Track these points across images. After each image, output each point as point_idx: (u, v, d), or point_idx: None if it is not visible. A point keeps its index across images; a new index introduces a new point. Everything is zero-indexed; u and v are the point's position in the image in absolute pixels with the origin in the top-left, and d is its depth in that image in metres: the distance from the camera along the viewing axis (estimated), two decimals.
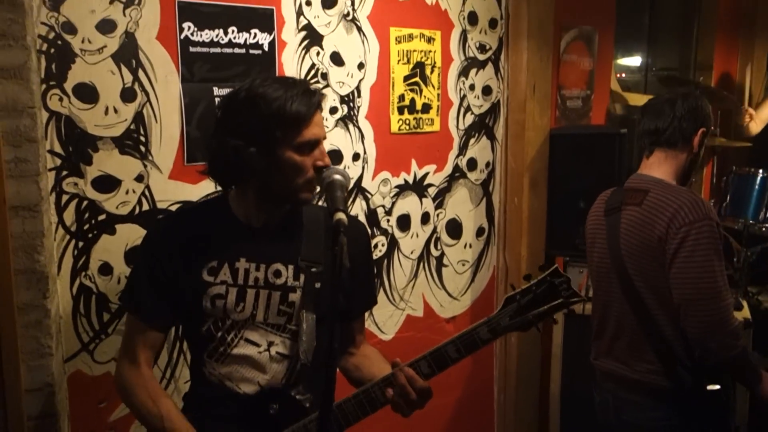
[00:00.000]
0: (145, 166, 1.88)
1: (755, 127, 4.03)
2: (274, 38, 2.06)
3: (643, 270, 1.92)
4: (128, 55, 1.82)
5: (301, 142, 1.40)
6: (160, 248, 1.49)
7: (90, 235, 1.83)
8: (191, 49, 1.90)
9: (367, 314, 2.46)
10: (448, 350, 1.48)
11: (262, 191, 1.46)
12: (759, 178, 3.46)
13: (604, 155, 2.82)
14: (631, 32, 4.02)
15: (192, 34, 1.90)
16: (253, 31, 2.01)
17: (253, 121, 1.38)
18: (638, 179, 2.02)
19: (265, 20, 2.03)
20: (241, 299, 1.47)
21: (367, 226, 2.40)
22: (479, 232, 2.86)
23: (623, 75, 4.17)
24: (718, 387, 1.93)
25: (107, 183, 1.83)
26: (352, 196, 2.37)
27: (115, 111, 1.82)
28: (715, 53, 4.28)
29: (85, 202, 1.81)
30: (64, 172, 1.78)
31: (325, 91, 2.20)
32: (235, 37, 1.97)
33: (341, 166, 2.30)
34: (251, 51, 2.01)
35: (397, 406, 1.42)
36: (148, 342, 1.51)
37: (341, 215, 1.23)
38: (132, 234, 1.89)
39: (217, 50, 1.95)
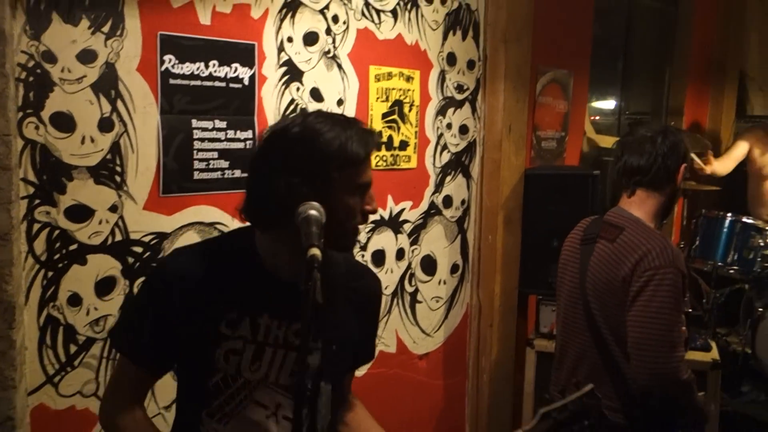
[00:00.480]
0: (120, 196, 1.87)
1: (722, 169, 4.11)
2: (254, 73, 2.08)
3: (605, 306, 1.93)
4: (107, 85, 1.82)
5: (358, 184, 1.30)
6: (174, 286, 1.34)
7: (60, 265, 1.80)
8: (171, 81, 1.91)
9: None
10: None
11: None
12: (727, 222, 3.55)
13: (577, 195, 2.87)
14: (606, 77, 4.13)
15: (173, 67, 1.91)
16: (234, 65, 2.03)
17: (310, 159, 1.26)
18: (618, 215, 2.02)
19: (246, 55, 2.05)
20: (257, 358, 1.34)
21: None
22: (454, 268, 2.87)
23: (597, 118, 4.27)
24: None
25: (80, 212, 1.81)
26: None
27: (92, 140, 1.81)
28: (686, 99, 4.41)
29: (57, 231, 1.79)
30: (37, 201, 1.75)
31: None
32: (215, 71, 1.99)
33: None
34: (231, 85, 2.03)
35: None
36: (142, 384, 1.40)
37: (315, 251, 1.21)
38: (103, 264, 1.86)
39: (197, 83, 1.96)
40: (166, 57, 1.89)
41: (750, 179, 4.22)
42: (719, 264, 3.55)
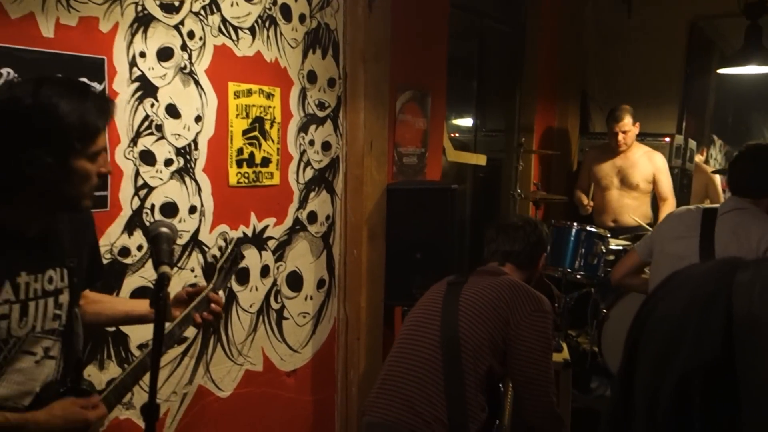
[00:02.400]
0: None
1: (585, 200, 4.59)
2: (104, 88, 2.00)
3: (473, 337, 2.02)
4: None
5: (94, 151, 1.42)
6: None
7: None
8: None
9: (203, 371, 2.41)
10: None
11: (46, 201, 1.43)
12: (574, 231, 3.82)
13: (437, 208, 2.99)
14: (462, 96, 4.35)
15: (13, 80, 1.80)
16: (81, 79, 1.94)
17: (51, 131, 1.35)
18: (495, 269, 2.26)
19: (95, 70, 1.97)
20: (24, 315, 1.43)
21: (203, 280, 2.35)
22: (320, 284, 2.90)
23: (456, 135, 4.48)
24: None
25: None
26: (188, 249, 2.32)
27: None
28: (536, 116, 4.73)
29: None
30: None
31: (160, 143, 2.18)
32: None
33: (176, 219, 2.25)
34: None
35: (207, 323, 1.77)
36: None
37: (166, 268, 1.22)
38: None
39: None
40: (4, 70, 1.78)
41: (594, 190, 4.62)
42: (568, 270, 3.80)
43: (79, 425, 1.44)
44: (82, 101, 1.37)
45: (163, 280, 1.20)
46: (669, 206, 4.35)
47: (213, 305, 1.76)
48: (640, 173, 4.38)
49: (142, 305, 1.80)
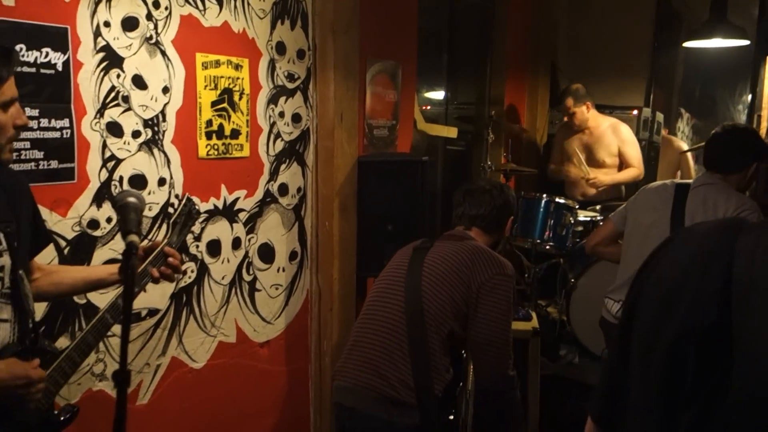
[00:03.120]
0: None
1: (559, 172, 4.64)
2: (68, 58, 1.97)
3: (435, 302, 2.06)
4: None
5: (5, 101, 1.44)
6: None
7: None
8: None
9: (176, 343, 2.42)
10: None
11: None
12: (543, 202, 3.88)
13: (408, 181, 3.02)
14: (433, 68, 4.35)
15: None
16: (44, 50, 1.91)
17: None
18: (460, 233, 2.28)
19: (59, 39, 1.94)
20: None
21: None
22: (292, 256, 2.91)
23: (428, 107, 4.49)
24: (452, 417, 2.15)
25: None
26: (158, 221, 2.31)
27: None
28: (506, 89, 4.75)
29: None
30: None
31: (127, 114, 2.16)
32: (24, 56, 1.86)
33: (145, 192, 2.24)
34: (42, 70, 1.91)
35: (165, 277, 1.81)
36: None
37: (134, 237, 1.23)
38: None
39: None
40: None
41: (565, 166, 4.68)
42: (537, 241, 3.87)
43: (22, 382, 1.47)
44: None
45: (131, 249, 1.22)
46: (635, 172, 4.40)
47: (170, 259, 1.80)
48: (604, 149, 4.43)
49: (99, 270, 1.86)
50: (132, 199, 1.34)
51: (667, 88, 6.30)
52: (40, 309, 1.95)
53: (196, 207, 2.04)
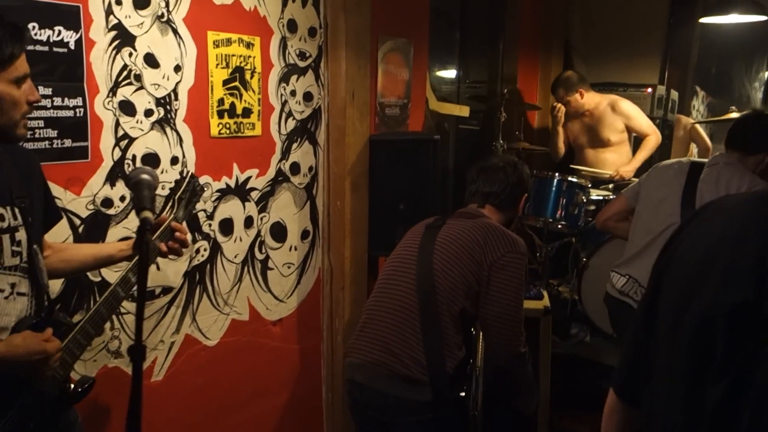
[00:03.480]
0: None
1: (562, 150, 4.58)
2: (81, 37, 1.97)
3: (447, 280, 2.07)
4: None
5: (16, 76, 1.47)
6: None
7: None
8: None
9: (190, 320, 2.44)
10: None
11: None
12: (555, 181, 3.86)
13: (420, 159, 3.01)
14: (445, 47, 4.32)
15: None
16: (57, 28, 1.91)
17: None
18: (473, 211, 2.28)
19: (71, 18, 1.94)
20: None
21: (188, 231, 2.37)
22: (304, 234, 2.92)
23: (440, 86, 4.46)
24: (463, 394, 2.13)
25: None
26: (171, 200, 2.32)
27: None
28: (519, 67, 4.71)
29: None
30: None
31: (139, 93, 2.16)
32: (36, 34, 1.86)
33: (158, 170, 2.25)
34: (55, 49, 1.91)
35: (173, 251, 1.89)
36: None
37: (147, 214, 1.25)
38: None
39: None
40: None
41: (573, 149, 4.66)
42: (549, 220, 3.86)
43: (39, 356, 1.49)
44: None
45: (145, 225, 1.23)
46: (653, 141, 4.36)
47: (177, 234, 1.88)
48: (608, 128, 4.40)
49: (109, 246, 1.91)
50: (145, 176, 1.35)
51: (683, 66, 6.21)
52: (55, 286, 1.97)
53: (200, 183, 2.07)
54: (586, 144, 4.51)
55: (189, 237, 1.94)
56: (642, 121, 4.39)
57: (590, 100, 4.39)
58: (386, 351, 2.06)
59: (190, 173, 2.00)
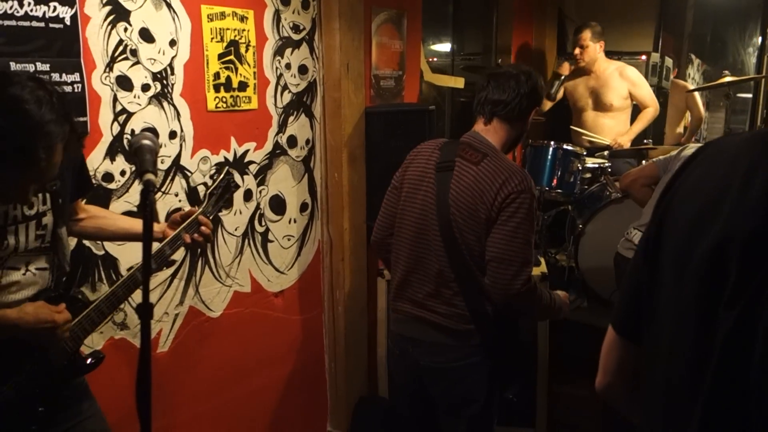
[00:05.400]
0: None
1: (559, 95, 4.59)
2: (76, 12, 1.99)
3: (466, 226, 2.09)
4: None
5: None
6: None
7: None
8: None
9: (193, 292, 2.48)
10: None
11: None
12: (551, 150, 3.89)
13: (415, 130, 3.03)
14: (438, 19, 4.32)
15: None
16: (52, 4, 1.93)
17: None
18: (477, 140, 2.18)
19: None
20: (2, 238, 1.54)
21: (188, 204, 2.41)
22: (303, 207, 2.96)
23: (434, 59, 4.47)
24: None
25: None
26: (171, 174, 2.35)
27: None
28: (513, 38, 4.71)
29: None
30: None
31: (136, 68, 2.18)
32: (31, 10, 1.88)
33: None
34: (51, 25, 1.93)
35: (197, 244, 1.90)
36: None
37: (150, 176, 1.29)
38: None
39: (12, 23, 1.84)
40: None
41: (572, 112, 4.67)
42: (546, 188, 3.89)
43: (48, 325, 1.56)
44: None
45: (148, 187, 1.27)
46: (651, 113, 4.42)
47: (202, 227, 1.89)
48: (613, 92, 4.43)
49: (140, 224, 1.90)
50: (147, 142, 1.40)
51: (677, 33, 6.21)
52: None
53: (234, 180, 2.08)
54: (587, 107, 4.53)
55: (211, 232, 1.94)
56: (645, 91, 4.44)
57: (602, 59, 4.44)
58: (430, 310, 2.18)
59: (226, 169, 2.04)
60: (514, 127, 2.20)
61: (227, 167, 2.09)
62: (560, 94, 4.61)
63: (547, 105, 4.58)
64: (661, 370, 0.99)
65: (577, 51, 4.42)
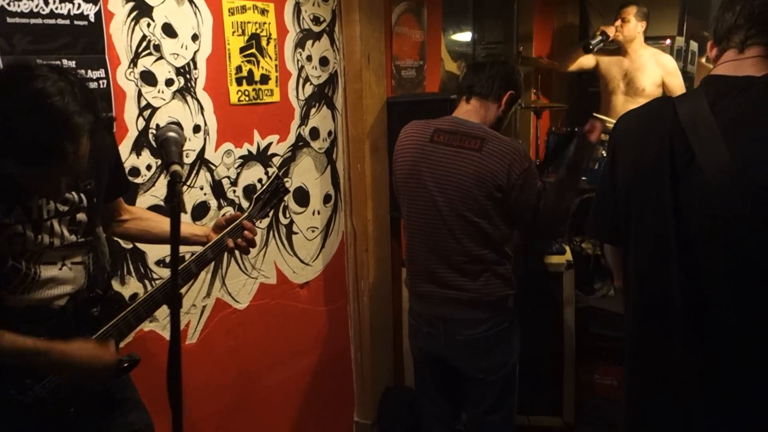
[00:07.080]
0: None
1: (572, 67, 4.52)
2: (100, 9, 2.01)
3: (477, 207, 2.26)
4: None
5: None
6: None
7: None
8: (9, 20, 1.82)
9: (219, 285, 2.51)
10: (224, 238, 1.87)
11: None
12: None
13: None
14: (458, 8, 4.29)
15: (8, 5, 1.81)
16: (76, 2, 1.96)
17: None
18: (466, 125, 2.34)
19: None
20: (38, 233, 1.54)
21: (213, 197, 2.43)
22: (326, 198, 2.97)
23: (455, 48, 4.44)
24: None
25: None
26: (196, 167, 2.38)
27: None
28: (534, 26, 4.67)
29: None
30: None
31: (159, 63, 2.21)
32: (57, 8, 1.91)
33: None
34: (76, 22, 1.96)
35: (240, 248, 1.90)
36: None
37: (177, 167, 1.30)
38: None
39: (38, 21, 1.88)
40: None
41: (601, 95, 4.60)
42: None
43: (99, 365, 1.57)
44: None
45: (175, 178, 1.29)
46: None
47: (246, 232, 1.90)
48: (647, 76, 4.35)
49: (185, 227, 1.88)
50: (172, 134, 1.41)
51: (702, 16, 6.10)
52: None
53: (284, 185, 2.06)
54: (618, 90, 4.45)
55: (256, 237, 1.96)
56: (678, 82, 4.36)
57: (641, 41, 4.36)
58: (455, 288, 2.36)
59: (276, 173, 2.02)
60: (491, 107, 2.40)
61: (277, 172, 2.10)
62: (590, 61, 4.49)
63: (580, 57, 4.46)
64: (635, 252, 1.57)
65: (618, 23, 4.33)
